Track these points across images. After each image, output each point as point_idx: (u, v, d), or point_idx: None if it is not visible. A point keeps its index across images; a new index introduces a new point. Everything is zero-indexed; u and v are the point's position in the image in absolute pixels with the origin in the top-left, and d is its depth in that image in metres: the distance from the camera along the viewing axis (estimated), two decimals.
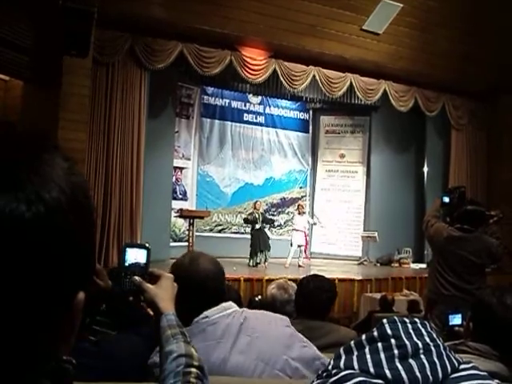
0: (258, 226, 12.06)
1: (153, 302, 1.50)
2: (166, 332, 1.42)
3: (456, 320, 2.68)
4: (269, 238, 12.20)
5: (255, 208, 12.44)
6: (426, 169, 14.39)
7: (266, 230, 12.44)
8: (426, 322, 1.09)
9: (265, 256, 11.83)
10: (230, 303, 1.93)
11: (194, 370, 1.33)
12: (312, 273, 3.80)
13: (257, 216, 12.16)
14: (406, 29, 10.98)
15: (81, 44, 8.57)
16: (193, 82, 12.99)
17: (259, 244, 11.86)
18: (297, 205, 13.69)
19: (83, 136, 9.05)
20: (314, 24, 10.50)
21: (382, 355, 1.02)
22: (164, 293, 1.53)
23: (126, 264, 1.58)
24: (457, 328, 2.60)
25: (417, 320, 1.08)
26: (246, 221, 12.58)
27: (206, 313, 1.84)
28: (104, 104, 9.87)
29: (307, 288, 3.09)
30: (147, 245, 1.64)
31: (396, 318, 1.08)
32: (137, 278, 1.54)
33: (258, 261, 11.76)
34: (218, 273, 1.98)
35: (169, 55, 10.31)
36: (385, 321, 1.07)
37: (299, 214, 12.69)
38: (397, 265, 13.52)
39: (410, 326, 1.06)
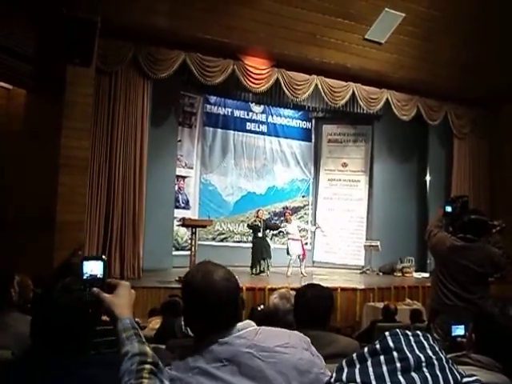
0: (260, 234, 12.07)
1: (109, 309, 1.58)
2: (122, 336, 1.50)
3: (459, 331, 2.67)
4: (269, 246, 12.19)
5: (257, 216, 12.45)
6: (428, 178, 14.39)
7: (268, 238, 12.44)
8: (428, 335, 1.08)
9: (267, 264, 11.82)
10: (247, 322, 1.83)
11: (147, 366, 1.40)
12: (315, 282, 3.78)
13: (259, 224, 12.17)
14: (407, 38, 11.00)
15: (84, 53, 8.63)
16: (195, 91, 13.02)
17: (261, 252, 11.85)
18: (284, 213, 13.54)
19: (86, 144, 9.08)
20: (314, 33, 10.54)
21: (385, 368, 1.01)
22: (120, 300, 1.61)
23: (84, 277, 1.65)
24: (459, 339, 2.58)
25: (419, 333, 1.07)
26: (249, 226, 12.58)
27: (221, 339, 1.73)
28: (107, 113, 9.90)
29: (305, 297, 3.06)
30: (103, 256, 1.72)
31: (398, 330, 1.08)
32: (95, 289, 1.62)
33: (262, 269, 11.74)
34: (233, 288, 1.84)
35: (171, 64, 10.34)
36: (387, 333, 1.07)
37: (287, 222, 12.62)
38: (399, 274, 13.46)
39: (412, 338, 1.05)
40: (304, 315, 3.00)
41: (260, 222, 12.27)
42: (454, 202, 4.77)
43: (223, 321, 1.76)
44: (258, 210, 12.70)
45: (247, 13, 9.83)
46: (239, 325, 1.79)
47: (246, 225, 13.13)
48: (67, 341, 1.76)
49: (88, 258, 1.69)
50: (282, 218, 13.50)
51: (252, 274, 11.65)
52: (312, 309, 2.98)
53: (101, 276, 1.66)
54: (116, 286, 1.66)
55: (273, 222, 13.66)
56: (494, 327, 1.86)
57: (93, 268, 1.67)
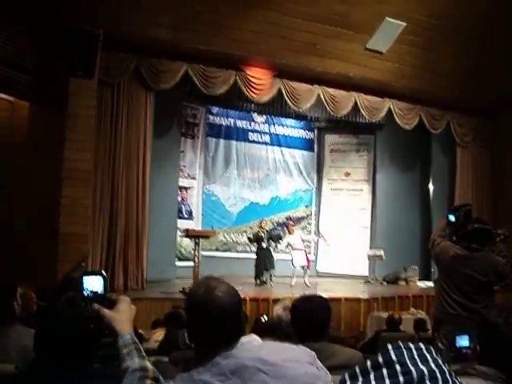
0: (264, 245, 12.01)
1: (110, 325, 1.60)
2: (122, 351, 1.53)
3: (463, 341, 2.65)
4: (272, 257, 12.11)
5: (261, 227, 12.40)
6: (431, 186, 14.35)
7: (271, 249, 12.37)
8: (431, 348, 1.08)
9: (270, 275, 11.78)
10: (251, 336, 1.83)
11: (148, 381, 1.44)
12: (318, 292, 3.76)
13: (262, 235, 12.12)
14: (408, 47, 11.01)
15: (87, 65, 8.67)
16: (198, 102, 13.06)
17: (265, 263, 11.81)
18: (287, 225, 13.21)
19: (89, 156, 9.10)
20: (314, 42, 10.54)
21: (388, 382, 1.00)
22: (121, 315, 1.63)
23: (84, 292, 1.69)
24: (464, 350, 2.57)
25: (422, 346, 1.07)
26: (250, 240, 12.55)
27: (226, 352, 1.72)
28: (110, 124, 9.92)
29: (302, 309, 3.04)
30: (103, 272, 1.75)
31: (401, 343, 1.07)
32: (95, 305, 1.64)
33: (264, 279, 11.69)
34: (236, 304, 1.83)
35: (174, 75, 10.37)
36: (390, 347, 1.06)
37: (289, 233, 12.46)
38: (403, 283, 13.41)
39: (415, 351, 1.04)
40: (302, 327, 2.98)
41: (264, 232, 12.23)
42: (458, 211, 4.76)
43: (226, 335, 1.75)
44: (262, 221, 12.65)
45: (248, 24, 9.86)
46: (243, 339, 1.78)
47: (247, 237, 13.03)
48: (71, 354, 1.76)
49: (88, 273, 1.71)
50: (285, 229, 13.43)
51: (256, 284, 11.60)
52: (310, 320, 2.96)
53: (101, 292, 1.69)
54: (116, 302, 1.67)
55: (276, 231, 13.56)
56: (498, 337, 1.85)
57: (93, 284, 1.69)
